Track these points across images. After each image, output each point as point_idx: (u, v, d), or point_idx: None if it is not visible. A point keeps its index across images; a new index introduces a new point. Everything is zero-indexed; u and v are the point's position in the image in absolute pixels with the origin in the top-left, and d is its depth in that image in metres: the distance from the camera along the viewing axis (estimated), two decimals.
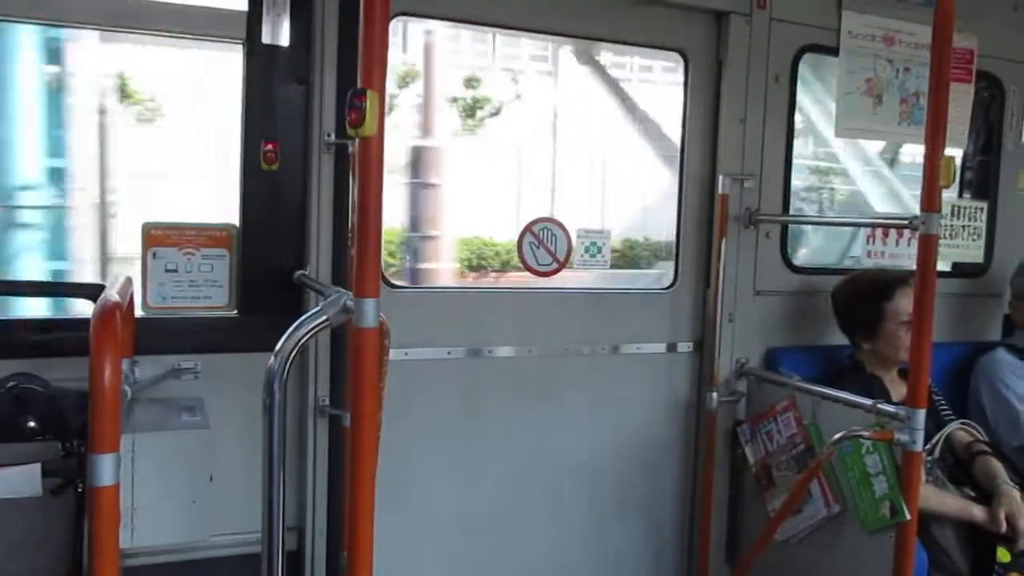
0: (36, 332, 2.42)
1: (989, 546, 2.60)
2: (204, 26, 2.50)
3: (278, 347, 1.71)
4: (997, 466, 2.73)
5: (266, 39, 2.48)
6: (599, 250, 2.96)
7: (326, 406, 2.60)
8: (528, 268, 2.89)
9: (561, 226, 2.91)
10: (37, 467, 1.95)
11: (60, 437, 2.06)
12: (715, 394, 3.01)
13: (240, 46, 2.50)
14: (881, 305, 2.85)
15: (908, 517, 2.29)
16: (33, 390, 2.09)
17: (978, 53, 3.34)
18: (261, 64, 2.50)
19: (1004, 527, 2.57)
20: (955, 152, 3.38)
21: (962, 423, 2.90)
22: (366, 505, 1.52)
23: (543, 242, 2.89)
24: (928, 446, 2.70)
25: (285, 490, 1.82)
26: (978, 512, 2.61)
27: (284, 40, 2.50)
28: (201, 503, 2.09)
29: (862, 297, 2.93)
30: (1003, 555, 2.58)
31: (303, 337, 1.72)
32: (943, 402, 3.03)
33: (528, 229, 2.88)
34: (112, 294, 1.65)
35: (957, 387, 3.33)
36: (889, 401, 2.65)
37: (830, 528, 2.66)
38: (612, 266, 3.05)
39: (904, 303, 2.75)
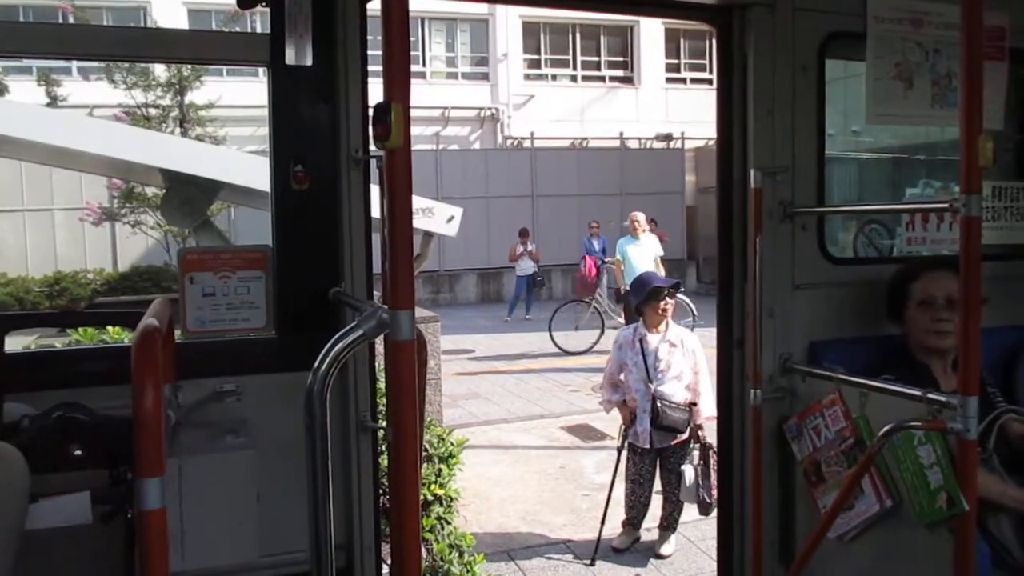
0: (80, 361, 2.46)
1: None
2: (228, 51, 2.53)
3: (316, 364, 1.72)
4: None
5: (290, 60, 2.50)
6: None
7: (367, 421, 2.61)
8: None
9: None
10: (86, 495, 1.97)
11: (107, 464, 2.09)
12: (759, 391, 2.95)
13: (265, 69, 2.53)
14: (907, 286, 2.84)
15: (966, 508, 2.22)
16: (78, 419, 2.12)
17: (1010, 30, 3.26)
18: (286, 85, 2.52)
19: None
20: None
21: (1014, 411, 2.82)
22: (411, 518, 1.51)
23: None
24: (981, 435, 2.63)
25: (332, 507, 1.82)
26: None
27: (307, 60, 2.51)
28: (249, 523, 2.10)
29: (896, 277, 2.94)
30: None
31: (341, 354, 1.72)
32: (996, 391, 2.95)
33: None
34: (151, 320, 1.67)
35: (1008, 374, 3.24)
36: (937, 391, 2.58)
37: (885, 523, 2.59)
38: None
39: (928, 285, 2.70)
